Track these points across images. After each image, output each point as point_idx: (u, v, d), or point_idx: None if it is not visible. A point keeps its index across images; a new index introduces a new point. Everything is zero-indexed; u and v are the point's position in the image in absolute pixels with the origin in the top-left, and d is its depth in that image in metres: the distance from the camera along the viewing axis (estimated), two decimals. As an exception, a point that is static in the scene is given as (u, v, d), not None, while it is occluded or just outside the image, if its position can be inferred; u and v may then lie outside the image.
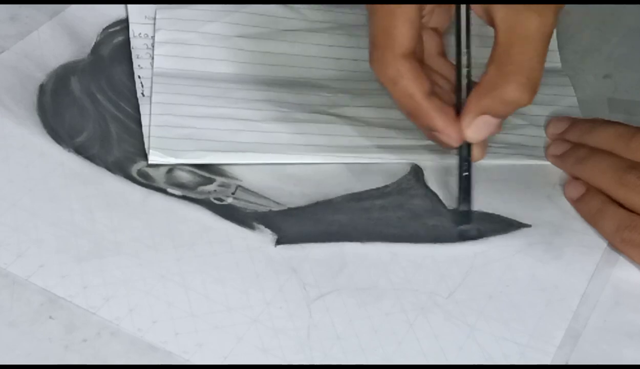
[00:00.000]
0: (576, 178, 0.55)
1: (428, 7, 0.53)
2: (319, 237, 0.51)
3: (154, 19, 0.63)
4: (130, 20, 0.64)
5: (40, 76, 0.60)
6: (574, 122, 0.57)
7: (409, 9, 0.50)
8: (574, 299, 0.49)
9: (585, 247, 0.52)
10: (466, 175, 0.53)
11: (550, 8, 0.50)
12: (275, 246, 0.51)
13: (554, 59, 0.64)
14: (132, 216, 0.52)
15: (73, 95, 0.59)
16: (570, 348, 0.47)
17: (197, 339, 0.46)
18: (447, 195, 0.54)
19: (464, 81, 0.52)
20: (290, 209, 0.53)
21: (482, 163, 0.55)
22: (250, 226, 0.52)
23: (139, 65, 0.60)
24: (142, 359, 0.45)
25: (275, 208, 0.53)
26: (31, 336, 0.46)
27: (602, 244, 0.52)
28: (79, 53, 0.62)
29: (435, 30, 0.57)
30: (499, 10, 0.50)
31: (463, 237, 0.52)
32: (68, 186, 0.53)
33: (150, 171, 0.54)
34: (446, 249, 0.51)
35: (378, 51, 0.51)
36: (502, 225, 0.53)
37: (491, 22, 0.51)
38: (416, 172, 0.56)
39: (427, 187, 0.55)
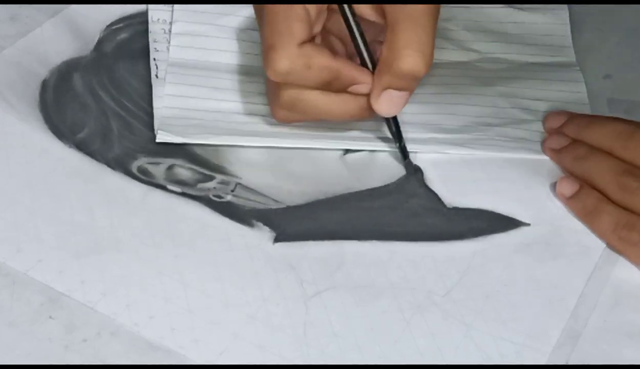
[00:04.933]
0: (571, 174, 0.55)
1: (313, 12, 0.53)
2: (318, 235, 0.52)
3: (172, 6, 0.64)
4: (150, 6, 0.64)
5: (42, 72, 0.60)
6: (571, 116, 0.57)
7: (298, 9, 0.52)
8: (572, 299, 0.49)
9: (584, 247, 0.52)
10: (396, 129, 0.56)
11: None
12: (274, 244, 0.51)
13: (568, 54, 0.64)
14: (131, 212, 0.52)
15: (75, 91, 0.59)
16: (570, 348, 0.47)
17: (194, 335, 0.46)
18: (447, 194, 0.54)
19: (360, 40, 0.54)
20: (289, 207, 0.53)
21: (485, 158, 0.56)
22: (249, 224, 0.52)
23: (155, 48, 0.61)
24: (142, 359, 0.45)
25: (274, 206, 0.53)
26: (31, 336, 0.46)
27: (601, 244, 0.52)
28: (82, 50, 0.62)
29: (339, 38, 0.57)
30: None
31: (408, 171, 0.55)
32: (68, 182, 0.53)
33: (150, 167, 0.55)
34: (444, 248, 0.52)
35: (281, 50, 0.51)
36: (501, 224, 0.53)
37: (381, 14, 0.52)
38: (415, 171, 0.56)
39: (426, 186, 0.55)
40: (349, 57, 0.54)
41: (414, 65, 0.51)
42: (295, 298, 0.48)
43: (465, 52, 0.63)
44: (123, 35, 0.64)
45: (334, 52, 0.53)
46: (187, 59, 0.61)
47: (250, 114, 0.58)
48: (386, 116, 0.55)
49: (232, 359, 0.45)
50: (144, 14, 0.65)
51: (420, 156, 0.56)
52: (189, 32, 0.62)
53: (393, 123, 0.56)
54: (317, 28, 0.54)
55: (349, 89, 0.53)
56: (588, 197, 0.53)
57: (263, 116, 0.57)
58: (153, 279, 0.48)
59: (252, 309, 0.47)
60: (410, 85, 0.53)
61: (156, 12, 0.64)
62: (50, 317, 0.47)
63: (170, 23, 0.63)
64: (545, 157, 0.57)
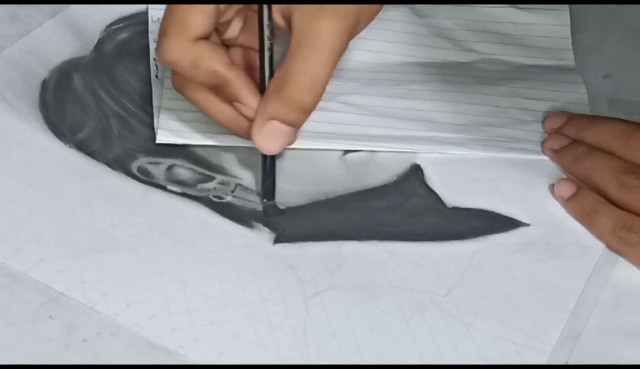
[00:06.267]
0: (569, 175, 0.55)
1: (225, 13, 0.51)
2: (317, 235, 0.52)
3: None
4: (150, 6, 0.65)
5: (42, 72, 0.60)
6: (571, 116, 0.57)
7: (206, 5, 0.49)
8: (572, 299, 0.49)
9: (584, 247, 0.52)
10: (269, 165, 0.52)
11: (350, 12, 0.49)
12: (274, 245, 0.51)
13: (567, 58, 0.64)
14: (131, 212, 0.52)
15: (75, 91, 0.59)
16: (570, 348, 0.47)
17: (194, 335, 0.46)
18: (447, 194, 0.54)
19: (267, 55, 0.50)
20: (289, 207, 0.53)
21: (486, 158, 0.56)
22: (248, 224, 0.52)
23: (155, 49, 0.61)
24: (142, 359, 0.45)
25: (274, 206, 0.53)
26: (31, 336, 0.46)
27: (601, 244, 0.52)
28: (82, 50, 0.62)
29: (252, 49, 0.53)
30: (295, 12, 0.49)
31: (267, 214, 0.52)
32: (68, 182, 0.53)
33: (151, 167, 0.55)
34: (444, 247, 0.52)
35: (170, 39, 0.49)
36: (501, 224, 0.53)
37: (289, 26, 0.50)
38: (415, 171, 0.56)
39: (426, 186, 0.55)
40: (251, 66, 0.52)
41: (303, 95, 0.48)
42: (295, 298, 0.48)
43: (466, 53, 0.63)
44: (123, 35, 0.64)
45: (233, 60, 0.50)
46: None
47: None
48: (265, 153, 0.51)
49: (232, 359, 0.45)
50: (144, 14, 0.65)
51: (421, 155, 0.56)
52: None
53: (269, 158, 0.51)
54: (232, 29, 0.51)
55: (234, 105, 0.50)
56: (586, 199, 0.53)
57: None
58: (153, 279, 0.49)
59: (252, 309, 0.48)
60: (296, 119, 0.49)
61: (156, 12, 0.64)
62: (50, 317, 0.47)
63: None
64: (545, 158, 0.57)
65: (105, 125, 0.57)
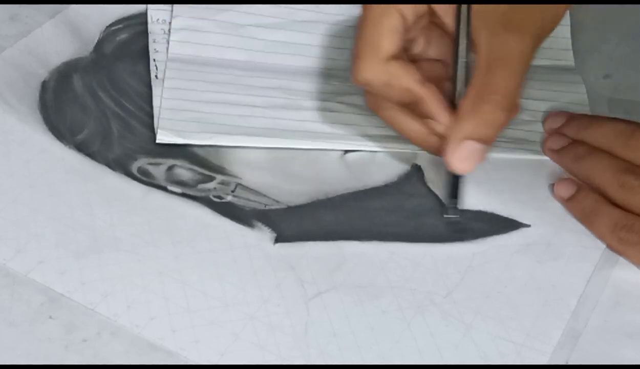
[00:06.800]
0: (569, 175, 0.55)
1: (411, 31, 0.53)
2: (318, 235, 0.52)
3: (172, 5, 0.64)
4: (149, 6, 0.65)
5: (42, 73, 0.60)
6: (571, 116, 0.57)
7: (394, 20, 0.51)
8: (572, 299, 0.49)
9: (584, 247, 0.52)
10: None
11: (534, 23, 0.50)
12: (274, 244, 0.51)
13: (567, 58, 0.64)
14: (131, 213, 0.52)
15: (75, 92, 0.59)
16: (570, 348, 0.47)
17: (194, 336, 0.46)
18: (446, 195, 0.54)
19: (461, 71, 0.52)
20: (289, 207, 0.53)
21: (485, 161, 0.56)
22: (249, 224, 0.52)
23: (155, 49, 0.62)
24: (142, 359, 0.45)
25: (275, 206, 0.53)
26: (31, 336, 0.46)
27: (601, 244, 0.52)
28: (82, 51, 0.62)
29: (438, 61, 0.55)
30: (480, 33, 0.50)
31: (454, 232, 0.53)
32: (68, 183, 0.53)
33: (151, 168, 0.55)
34: (444, 248, 0.52)
35: (364, 61, 0.51)
36: (501, 225, 0.53)
37: (474, 47, 0.51)
38: (416, 171, 0.56)
39: (426, 186, 0.55)
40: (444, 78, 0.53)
41: (500, 113, 0.49)
42: (295, 298, 0.48)
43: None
44: (123, 36, 0.64)
45: (424, 75, 0.51)
46: (186, 54, 0.61)
47: (248, 105, 0.58)
48: (460, 173, 0.51)
49: (232, 360, 0.45)
50: (144, 15, 0.65)
51: (421, 156, 0.56)
52: (189, 27, 0.63)
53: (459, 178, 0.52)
54: (417, 45, 0.53)
55: (426, 122, 0.52)
56: (586, 199, 0.53)
57: (261, 107, 0.58)
58: (153, 279, 0.48)
59: (253, 310, 0.48)
60: (491, 136, 0.50)
61: (156, 12, 0.64)
62: (50, 317, 0.47)
63: (170, 23, 0.63)
64: (545, 158, 0.57)
65: (105, 126, 0.57)
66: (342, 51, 0.63)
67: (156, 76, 0.60)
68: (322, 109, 0.59)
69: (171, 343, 0.46)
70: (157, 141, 0.55)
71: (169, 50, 0.61)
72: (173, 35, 0.62)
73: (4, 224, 0.51)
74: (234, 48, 0.62)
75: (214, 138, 0.56)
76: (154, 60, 0.61)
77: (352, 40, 0.61)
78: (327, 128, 0.57)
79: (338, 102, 0.59)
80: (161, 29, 0.63)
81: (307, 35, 0.63)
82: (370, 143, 0.57)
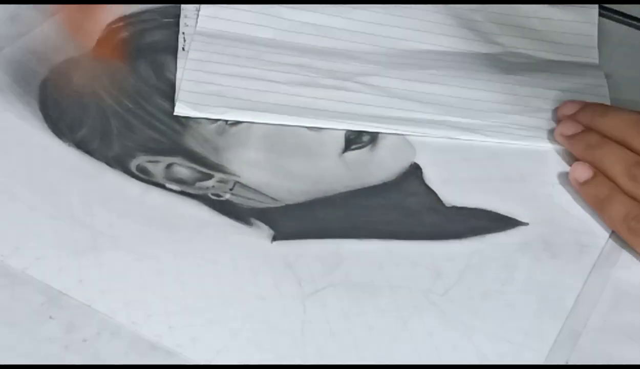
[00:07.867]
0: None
1: None
2: (316, 233, 0.52)
3: None
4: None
5: (42, 71, 0.60)
6: (586, 104, 0.57)
7: None
8: (570, 298, 0.49)
9: (582, 246, 0.52)
10: None
11: None
12: (272, 242, 0.51)
13: (591, 55, 0.64)
14: (130, 210, 0.52)
15: (74, 90, 0.59)
16: (569, 348, 0.47)
17: (191, 334, 0.46)
18: (445, 193, 0.54)
19: None
20: (288, 205, 0.53)
21: (485, 158, 0.56)
22: (247, 222, 0.52)
23: (185, 23, 0.63)
24: (142, 359, 0.45)
25: (273, 205, 0.53)
26: (31, 336, 0.46)
27: (600, 244, 0.52)
28: (82, 49, 0.62)
29: None
30: None
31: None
32: (67, 180, 0.53)
33: (149, 166, 0.55)
34: (443, 247, 0.51)
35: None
36: (499, 223, 0.53)
37: None
38: (415, 170, 0.56)
39: (425, 184, 0.55)
40: None
41: None
42: (293, 297, 0.48)
43: (490, 45, 0.64)
44: (123, 35, 0.64)
45: None
46: (214, 29, 0.62)
47: (267, 80, 0.59)
48: None
49: (229, 358, 0.45)
50: (144, 13, 0.65)
51: (420, 155, 0.56)
52: (219, 3, 0.64)
53: None
54: None
55: None
56: (601, 185, 0.52)
57: (279, 83, 0.59)
58: (151, 277, 0.48)
59: (250, 308, 0.48)
60: None
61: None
62: (50, 317, 0.47)
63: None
64: (551, 148, 0.56)
65: (104, 124, 0.57)
66: (368, 36, 0.63)
67: (183, 48, 0.61)
68: (339, 88, 0.59)
69: (169, 340, 0.46)
70: (175, 114, 0.57)
71: (197, 24, 0.63)
72: (203, 10, 0.63)
73: (2, 221, 0.51)
74: (261, 26, 0.63)
75: (227, 113, 0.57)
76: (183, 33, 0.62)
77: (379, 26, 0.62)
78: (340, 107, 0.57)
79: (355, 82, 0.59)
80: (194, 7, 0.64)
81: (333, 18, 0.64)
82: (380, 125, 0.57)
